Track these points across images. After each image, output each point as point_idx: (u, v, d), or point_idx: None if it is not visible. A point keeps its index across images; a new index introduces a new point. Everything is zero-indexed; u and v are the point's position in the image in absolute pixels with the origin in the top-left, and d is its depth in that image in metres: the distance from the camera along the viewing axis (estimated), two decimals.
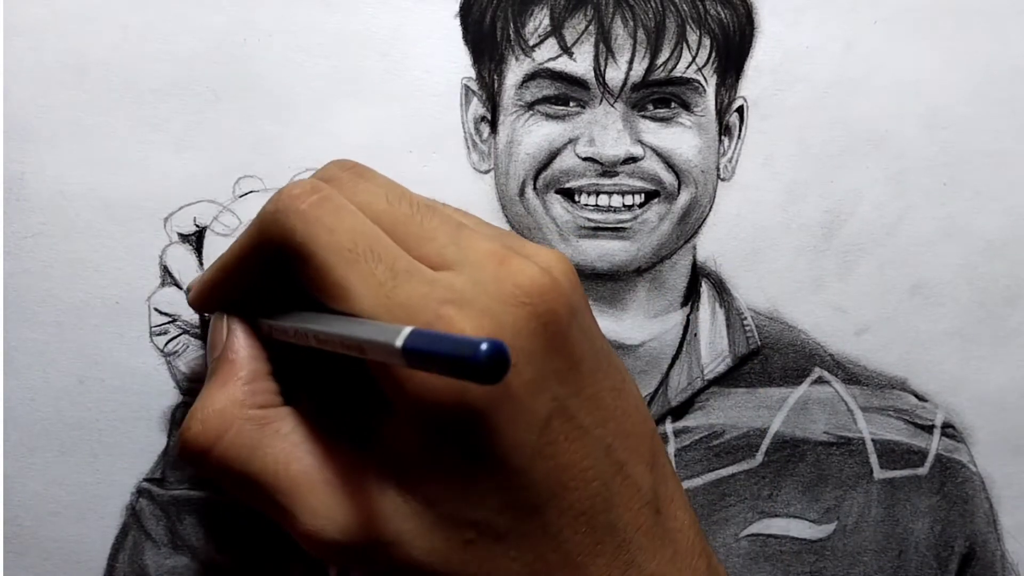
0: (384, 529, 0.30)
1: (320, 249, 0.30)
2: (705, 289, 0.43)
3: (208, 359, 0.35)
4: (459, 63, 0.42)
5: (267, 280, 0.33)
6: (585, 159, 0.42)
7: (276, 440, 0.32)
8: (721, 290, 0.43)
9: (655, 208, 0.42)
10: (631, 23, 0.41)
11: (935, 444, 0.44)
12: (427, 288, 0.30)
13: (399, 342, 0.27)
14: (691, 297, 0.44)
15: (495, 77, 0.42)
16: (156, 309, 0.41)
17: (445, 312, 0.29)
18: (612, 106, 0.42)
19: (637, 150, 0.42)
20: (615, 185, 0.42)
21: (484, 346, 0.25)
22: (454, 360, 0.26)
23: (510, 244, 0.32)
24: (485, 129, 0.42)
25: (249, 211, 0.40)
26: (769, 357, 0.44)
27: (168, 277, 0.41)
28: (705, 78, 0.42)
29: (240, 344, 0.34)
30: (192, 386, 0.41)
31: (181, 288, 0.40)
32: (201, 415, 0.32)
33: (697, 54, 0.42)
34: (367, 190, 0.33)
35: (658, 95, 0.42)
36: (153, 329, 0.41)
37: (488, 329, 0.29)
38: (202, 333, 0.41)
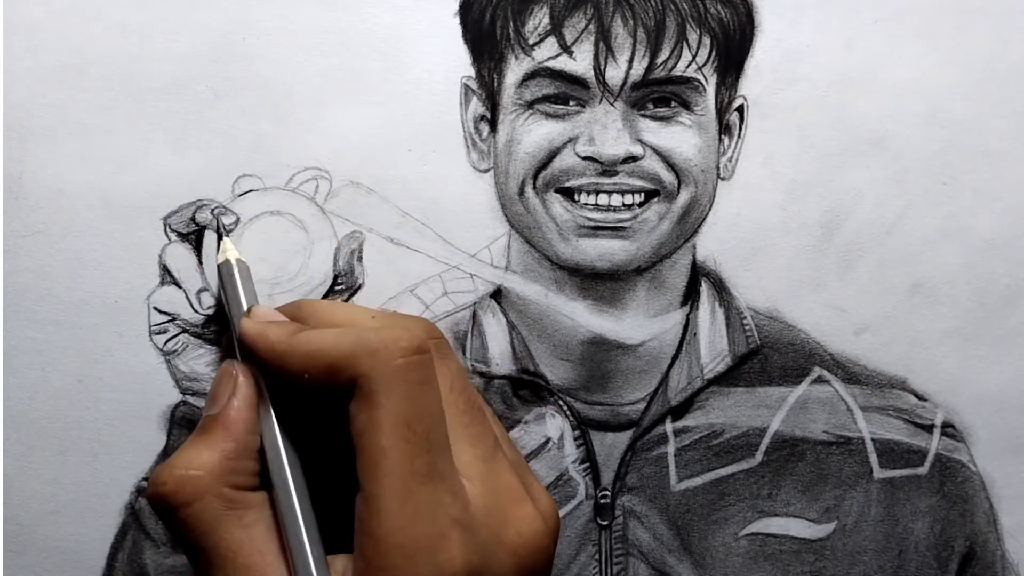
0: None
1: (387, 411, 0.32)
2: (705, 288, 0.43)
3: (205, 407, 0.35)
4: (459, 62, 0.42)
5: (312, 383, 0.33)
6: (585, 158, 0.42)
7: (236, 528, 0.33)
8: (721, 289, 0.43)
9: (655, 207, 0.42)
10: (631, 22, 0.41)
11: (935, 443, 0.44)
12: (448, 499, 0.32)
13: None
14: (691, 296, 0.44)
15: (495, 76, 0.42)
16: (155, 308, 0.41)
17: (450, 534, 0.31)
18: (612, 105, 0.42)
19: (637, 149, 0.42)
20: (615, 184, 0.42)
21: None
22: None
23: (525, 478, 0.35)
24: (485, 128, 0.42)
25: (248, 210, 0.40)
26: (769, 356, 0.44)
27: (167, 276, 0.41)
28: (705, 77, 0.42)
29: (240, 411, 0.34)
30: (191, 385, 0.41)
31: (180, 287, 0.40)
32: (178, 475, 0.33)
33: (697, 53, 0.42)
34: (441, 370, 0.34)
35: (658, 94, 0.42)
36: (152, 328, 0.41)
37: (475, 568, 0.31)
38: (204, 333, 0.41)
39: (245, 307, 0.37)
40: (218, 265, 0.39)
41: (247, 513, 0.33)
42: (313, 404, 0.34)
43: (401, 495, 0.31)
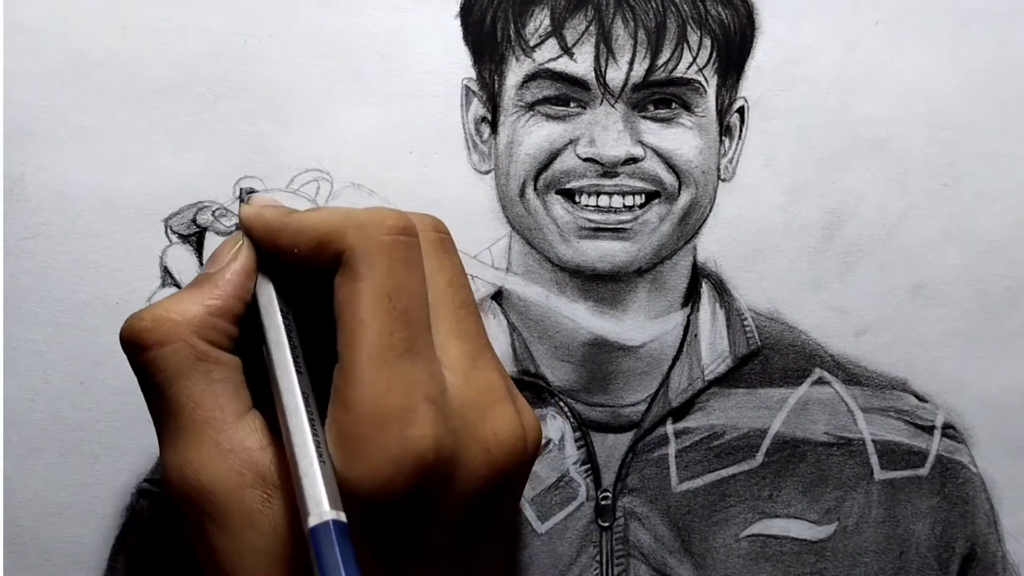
0: (250, 490, 0.32)
1: (368, 282, 0.31)
2: (705, 290, 0.43)
3: (203, 268, 0.35)
4: (459, 64, 0.42)
5: (301, 263, 0.34)
6: (586, 160, 0.42)
7: (201, 379, 0.32)
8: (721, 291, 0.43)
9: (656, 209, 0.42)
10: (632, 23, 0.41)
11: (936, 445, 0.44)
12: (424, 378, 0.31)
13: (310, 519, 0.29)
14: (691, 298, 0.44)
15: (495, 78, 0.42)
16: None
17: (422, 410, 0.31)
18: (613, 107, 0.42)
19: (638, 151, 0.42)
20: (616, 186, 0.42)
21: None
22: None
23: (512, 389, 0.35)
24: (486, 130, 0.42)
25: None
26: (769, 358, 0.44)
27: (168, 278, 0.41)
28: (706, 78, 0.42)
29: (233, 274, 0.34)
30: None
31: (181, 288, 0.40)
32: (155, 314, 0.33)
33: (698, 54, 0.42)
34: (440, 263, 0.34)
35: (659, 95, 0.42)
36: None
37: (444, 454, 0.31)
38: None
39: (246, 193, 0.37)
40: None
41: (216, 369, 0.33)
42: (307, 284, 0.34)
43: (377, 365, 0.31)
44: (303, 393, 0.32)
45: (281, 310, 0.34)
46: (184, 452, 0.32)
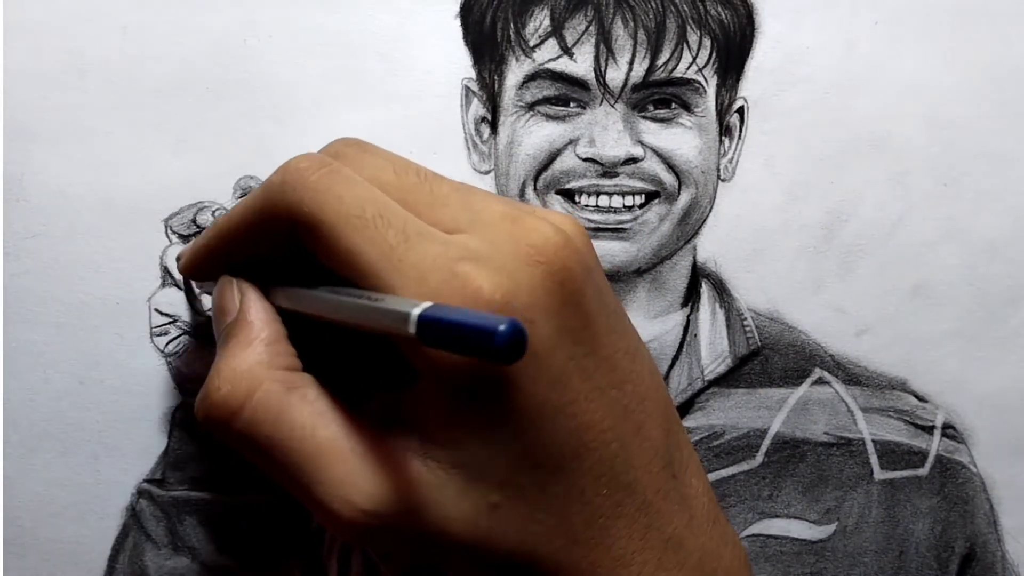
0: (411, 497, 0.30)
1: (329, 217, 0.30)
2: (705, 290, 0.43)
3: (217, 326, 0.34)
4: (459, 64, 0.42)
5: (268, 250, 0.33)
6: (585, 160, 0.42)
7: (303, 405, 0.31)
8: (721, 291, 0.43)
9: (655, 209, 0.42)
10: (631, 23, 0.41)
11: (935, 445, 0.44)
12: (441, 248, 0.30)
13: (412, 324, 0.27)
14: (691, 298, 0.44)
15: (495, 78, 0.42)
16: (157, 310, 0.41)
17: (461, 269, 0.29)
18: (612, 107, 0.42)
19: (637, 151, 0.42)
20: (615, 186, 0.42)
21: (503, 327, 0.25)
22: (472, 342, 0.25)
23: (522, 207, 0.32)
24: (485, 130, 0.42)
25: None
26: (769, 358, 0.44)
27: (168, 278, 0.41)
28: (705, 79, 0.42)
29: (256, 306, 0.33)
30: (192, 387, 0.41)
31: (182, 288, 0.40)
32: (227, 375, 0.31)
33: (697, 55, 0.42)
34: (373, 163, 0.33)
35: (658, 96, 0.42)
36: (154, 330, 0.41)
37: (505, 287, 0.29)
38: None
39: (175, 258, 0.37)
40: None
41: (308, 390, 0.31)
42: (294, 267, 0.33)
43: (395, 268, 0.29)
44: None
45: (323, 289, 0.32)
46: (336, 484, 0.30)
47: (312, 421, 0.31)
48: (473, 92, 0.42)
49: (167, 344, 0.41)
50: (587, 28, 0.41)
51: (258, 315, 0.33)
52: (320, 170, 0.31)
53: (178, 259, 0.38)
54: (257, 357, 0.32)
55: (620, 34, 0.41)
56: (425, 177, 0.33)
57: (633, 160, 0.42)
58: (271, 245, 0.33)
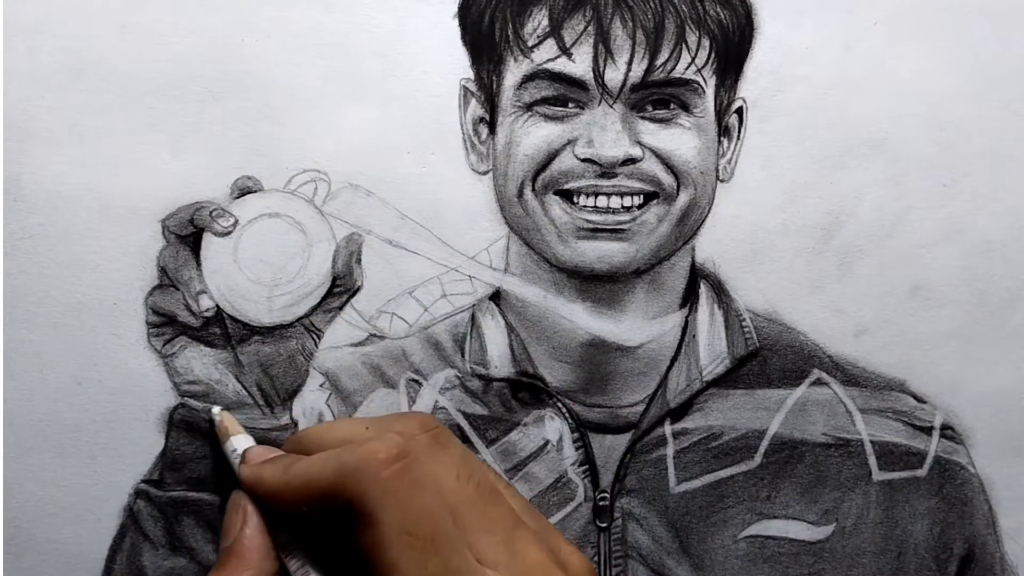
0: None
1: (386, 522, 0.32)
2: (704, 290, 0.43)
3: (221, 541, 0.36)
4: (458, 64, 0.42)
5: (314, 513, 0.34)
6: (584, 160, 0.42)
7: None
8: (720, 291, 0.43)
9: (654, 209, 0.42)
10: (630, 24, 0.41)
11: (934, 446, 0.44)
12: None
13: None
14: (690, 298, 0.44)
15: (494, 78, 0.42)
16: (153, 310, 0.41)
17: None
18: (611, 107, 0.42)
19: (636, 151, 0.42)
20: (614, 186, 0.42)
21: None
22: None
23: (555, 545, 0.35)
24: (484, 130, 0.42)
25: (246, 212, 0.40)
26: (768, 359, 0.43)
27: (165, 278, 0.41)
28: (704, 79, 0.42)
29: (253, 539, 0.35)
30: (189, 387, 0.41)
31: (178, 289, 0.40)
32: None
33: (696, 55, 0.42)
34: (441, 462, 0.34)
35: (657, 96, 0.42)
36: (151, 330, 0.41)
37: None
38: (202, 335, 0.41)
39: (240, 452, 0.38)
40: (209, 421, 0.40)
41: None
42: (325, 528, 0.35)
43: None
44: None
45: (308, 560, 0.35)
46: None
47: None
48: (471, 92, 0.42)
49: (164, 344, 0.41)
50: (586, 28, 0.41)
51: (248, 550, 0.35)
52: (393, 466, 0.33)
53: (215, 418, 0.40)
54: None
55: (619, 34, 0.41)
56: (482, 492, 0.34)
57: (632, 160, 0.42)
58: (322, 511, 0.34)
